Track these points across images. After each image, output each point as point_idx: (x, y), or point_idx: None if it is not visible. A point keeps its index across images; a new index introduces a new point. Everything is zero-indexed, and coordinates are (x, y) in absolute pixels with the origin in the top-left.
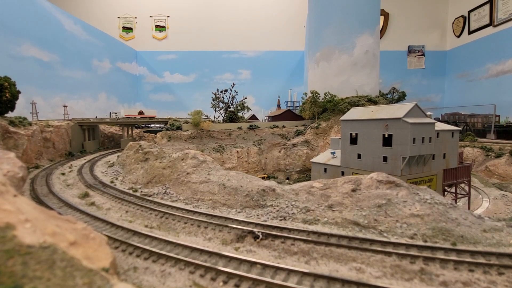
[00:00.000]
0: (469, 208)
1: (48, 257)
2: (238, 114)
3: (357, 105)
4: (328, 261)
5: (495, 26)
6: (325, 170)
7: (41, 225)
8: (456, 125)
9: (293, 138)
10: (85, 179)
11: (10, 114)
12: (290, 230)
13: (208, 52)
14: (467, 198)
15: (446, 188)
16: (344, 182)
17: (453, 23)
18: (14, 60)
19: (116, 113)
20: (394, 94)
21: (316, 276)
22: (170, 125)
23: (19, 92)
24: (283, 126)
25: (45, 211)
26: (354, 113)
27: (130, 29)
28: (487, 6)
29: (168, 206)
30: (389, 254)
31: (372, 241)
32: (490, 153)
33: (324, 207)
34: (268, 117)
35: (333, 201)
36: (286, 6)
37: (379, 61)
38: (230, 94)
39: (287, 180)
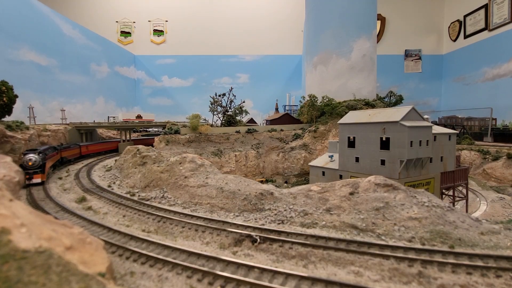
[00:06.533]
0: (467, 211)
1: (44, 262)
2: (236, 118)
3: (355, 109)
4: (326, 265)
5: (490, 30)
6: (323, 173)
7: (37, 229)
8: (453, 128)
9: (291, 141)
10: (82, 183)
11: (7, 118)
12: (288, 233)
13: (206, 56)
14: (465, 201)
15: (444, 191)
16: (342, 185)
17: (449, 27)
18: (12, 64)
19: (114, 117)
20: (392, 98)
21: (314, 280)
22: (168, 129)
23: (16, 96)
24: (281, 130)
25: (41, 216)
26: (351, 117)
27: (129, 33)
28: (483, 11)
29: (166, 210)
30: (387, 257)
31: (370, 245)
32: (487, 156)
33: (322, 211)
34: (266, 120)
35: (331, 205)
36: (283, 11)
37: (376, 65)
38: (228, 98)
39: (285, 184)
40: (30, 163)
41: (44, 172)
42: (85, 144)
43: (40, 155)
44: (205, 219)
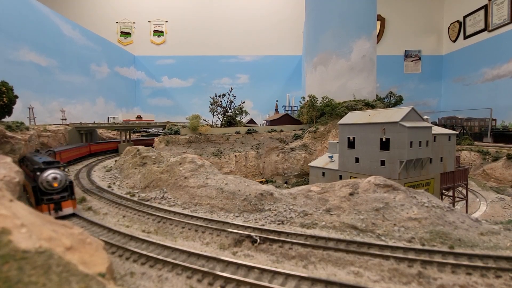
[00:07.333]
0: (466, 211)
1: (44, 262)
2: (236, 118)
3: (355, 109)
4: (326, 265)
5: (490, 31)
6: (323, 174)
7: (37, 230)
8: (453, 128)
9: (291, 142)
10: (82, 184)
11: (7, 119)
12: (288, 234)
13: (206, 56)
14: (464, 201)
15: (443, 191)
16: (342, 186)
17: (448, 28)
18: (12, 64)
19: (114, 117)
20: (391, 98)
21: (314, 280)
22: (168, 129)
23: (16, 96)
24: (281, 130)
25: (42, 216)
26: (351, 117)
27: (129, 34)
28: (482, 12)
29: (166, 210)
30: (387, 257)
31: (370, 245)
32: (487, 157)
33: (322, 211)
34: (266, 121)
35: (331, 205)
36: (283, 11)
37: (376, 66)
38: (228, 99)
39: (285, 184)
40: (55, 184)
41: (73, 196)
42: (59, 150)
43: (64, 170)
44: (205, 219)
